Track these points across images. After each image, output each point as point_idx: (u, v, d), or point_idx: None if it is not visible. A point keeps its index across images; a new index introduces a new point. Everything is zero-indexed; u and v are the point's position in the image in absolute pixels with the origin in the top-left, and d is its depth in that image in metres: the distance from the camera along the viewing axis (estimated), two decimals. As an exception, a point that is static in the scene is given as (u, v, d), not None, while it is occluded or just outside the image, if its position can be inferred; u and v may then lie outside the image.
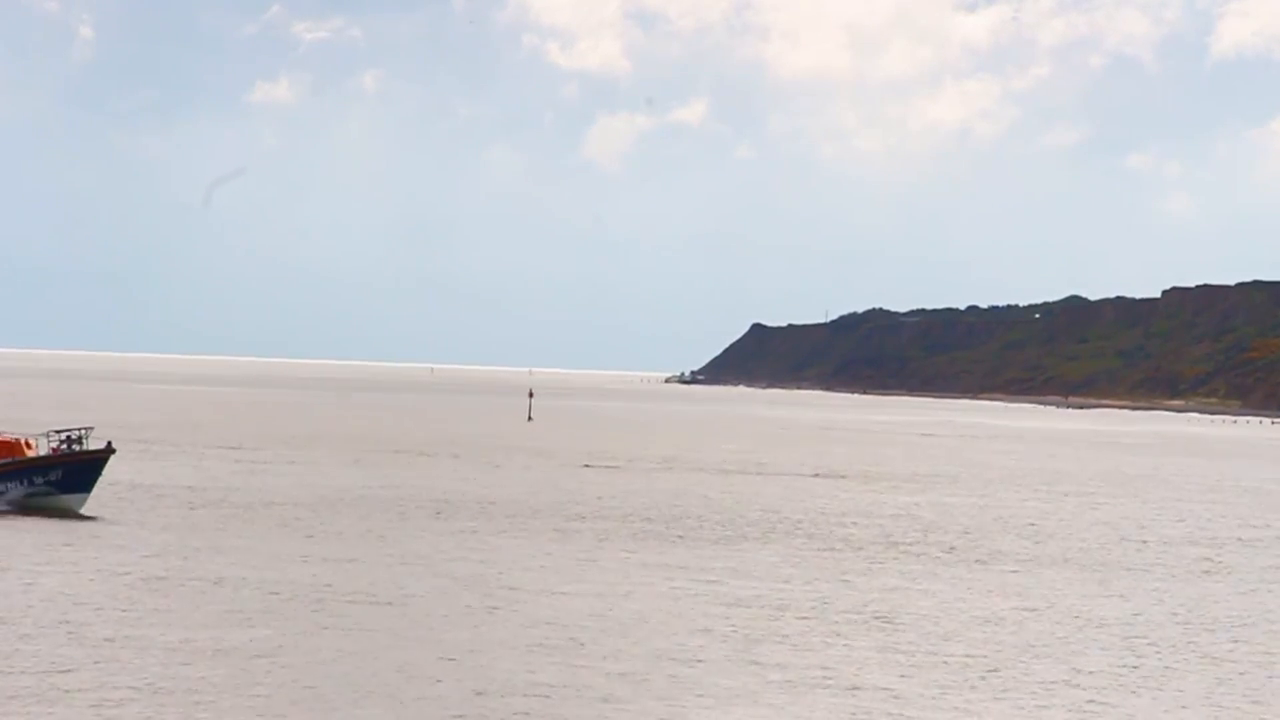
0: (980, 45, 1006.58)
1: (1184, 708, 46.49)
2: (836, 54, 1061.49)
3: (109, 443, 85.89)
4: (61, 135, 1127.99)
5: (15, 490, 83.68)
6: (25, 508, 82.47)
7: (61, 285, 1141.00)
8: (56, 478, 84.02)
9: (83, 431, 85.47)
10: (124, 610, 54.97)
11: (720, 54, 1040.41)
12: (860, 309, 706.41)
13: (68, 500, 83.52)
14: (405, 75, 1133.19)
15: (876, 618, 59.37)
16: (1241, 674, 51.65)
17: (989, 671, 49.98)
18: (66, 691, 42.54)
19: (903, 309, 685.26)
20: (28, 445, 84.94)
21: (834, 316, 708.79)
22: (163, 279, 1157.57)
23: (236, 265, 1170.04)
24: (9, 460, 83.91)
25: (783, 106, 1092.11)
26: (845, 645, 53.40)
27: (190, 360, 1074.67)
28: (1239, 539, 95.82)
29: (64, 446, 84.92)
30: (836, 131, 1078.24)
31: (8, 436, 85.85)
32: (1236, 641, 57.81)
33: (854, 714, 43.67)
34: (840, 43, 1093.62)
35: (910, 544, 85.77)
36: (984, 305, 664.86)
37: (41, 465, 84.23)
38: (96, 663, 46.10)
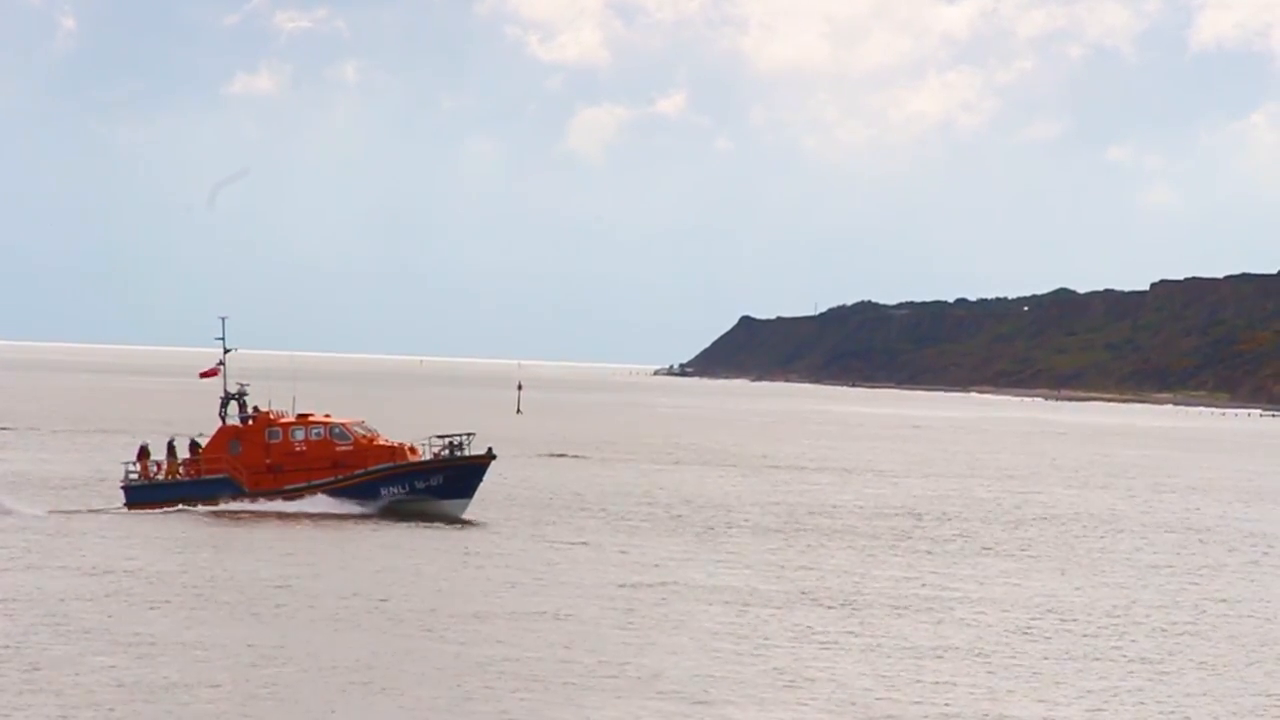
0: (960, 36, 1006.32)
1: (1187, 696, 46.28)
2: (816, 46, 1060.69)
3: (490, 449, 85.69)
4: (43, 126, 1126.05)
5: (396, 494, 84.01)
6: (406, 512, 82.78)
7: (40, 276, 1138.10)
8: (437, 483, 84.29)
9: (465, 437, 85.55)
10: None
11: (700, 46, 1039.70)
12: (849, 301, 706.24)
13: (449, 505, 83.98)
14: (386, 66, 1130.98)
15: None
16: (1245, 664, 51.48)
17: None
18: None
19: (891, 301, 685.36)
20: (411, 450, 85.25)
21: (823, 309, 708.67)
22: (143, 270, 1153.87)
23: (218, 257, 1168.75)
24: (390, 465, 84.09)
25: (763, 98, 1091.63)
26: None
27: (171, 352, 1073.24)
28: (1228, 530, 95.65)
29: (446, 451, 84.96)
30: (818, 123, 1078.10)
31: (392, 441, 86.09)
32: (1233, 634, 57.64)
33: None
34: (820, 34, 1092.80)
35: (922, 533, 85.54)
36: (973, 298, 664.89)
37: (423, 470, 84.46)
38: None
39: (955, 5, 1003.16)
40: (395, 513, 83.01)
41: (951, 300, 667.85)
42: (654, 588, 63.16)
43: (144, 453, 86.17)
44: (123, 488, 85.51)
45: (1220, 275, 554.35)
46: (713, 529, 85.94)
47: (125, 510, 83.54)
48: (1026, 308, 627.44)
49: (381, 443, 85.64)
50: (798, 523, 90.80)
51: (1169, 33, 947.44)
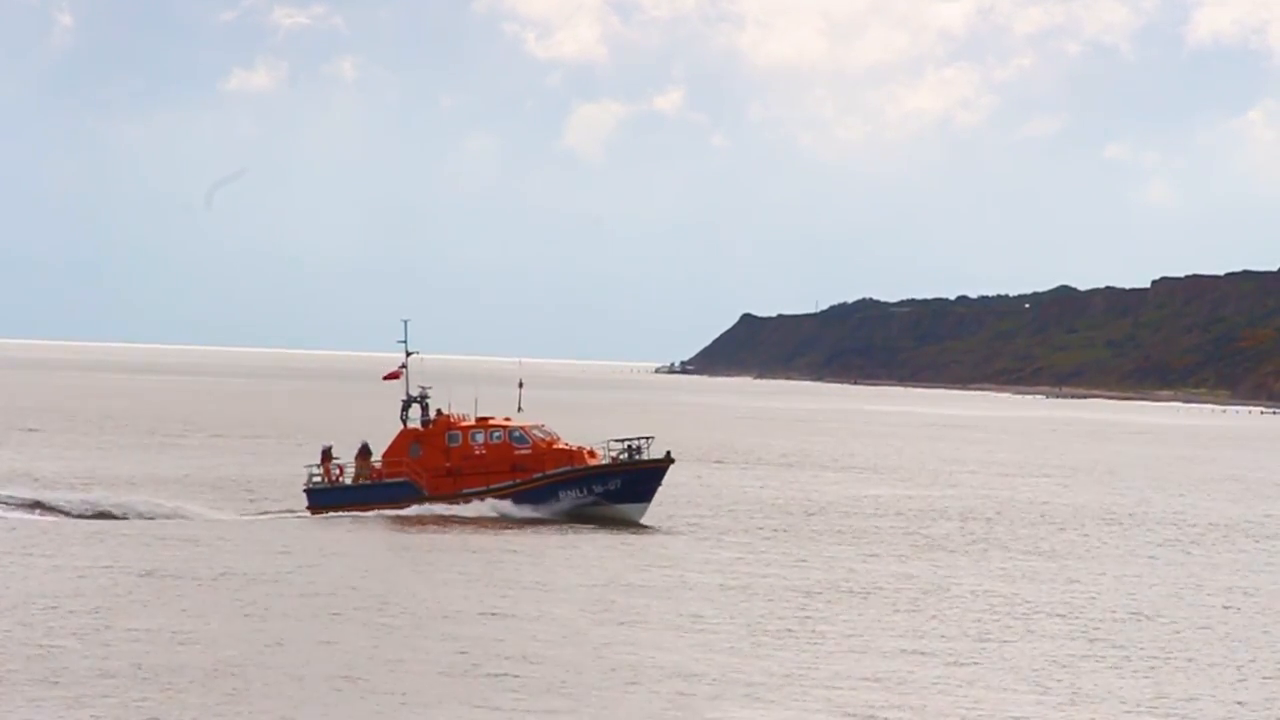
0: (957, 33, 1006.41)
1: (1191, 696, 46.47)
2: (813, 42, 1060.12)
3: (668, 452, 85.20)
4: (40, 123, 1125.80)
5: (574, 498, 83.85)
6: (583, 516, 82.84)
7: (35, 273, 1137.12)
8: (615, 486, 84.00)
9: (643, 441, 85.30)
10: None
11: (697, 43, 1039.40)
12: (850, 299, 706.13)
13: (626, 509, 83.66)
14: (384, 63, 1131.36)
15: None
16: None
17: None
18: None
19: (893, 299, 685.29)
20: (590, 454, 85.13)
21: (824, 307, 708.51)
22: (140, 268, 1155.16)
23: (215, 254, 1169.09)
24: (568, 469, 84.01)
25: (761, 95, 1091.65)
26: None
27: (168, 350, 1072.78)
28: (1229, 525, 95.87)
29: (624, 455, 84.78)
30: (815, 120, 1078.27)
31: (570, 445, 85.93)
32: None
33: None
34: (817, 30, 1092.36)
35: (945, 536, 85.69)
36: (974, 295, 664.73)
37: (601, 474, 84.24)
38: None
39: (952, 1, 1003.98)
40: (577, 517, 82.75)
41: (953, 298, 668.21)
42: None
43: (327, 455, 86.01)
44: (305, 490, 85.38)
45: (1221, 272, 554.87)
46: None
47: (308, 514, 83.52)
48: (1028, 305, 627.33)
49: (560, 446, 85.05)
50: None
51: (1166, 30, 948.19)
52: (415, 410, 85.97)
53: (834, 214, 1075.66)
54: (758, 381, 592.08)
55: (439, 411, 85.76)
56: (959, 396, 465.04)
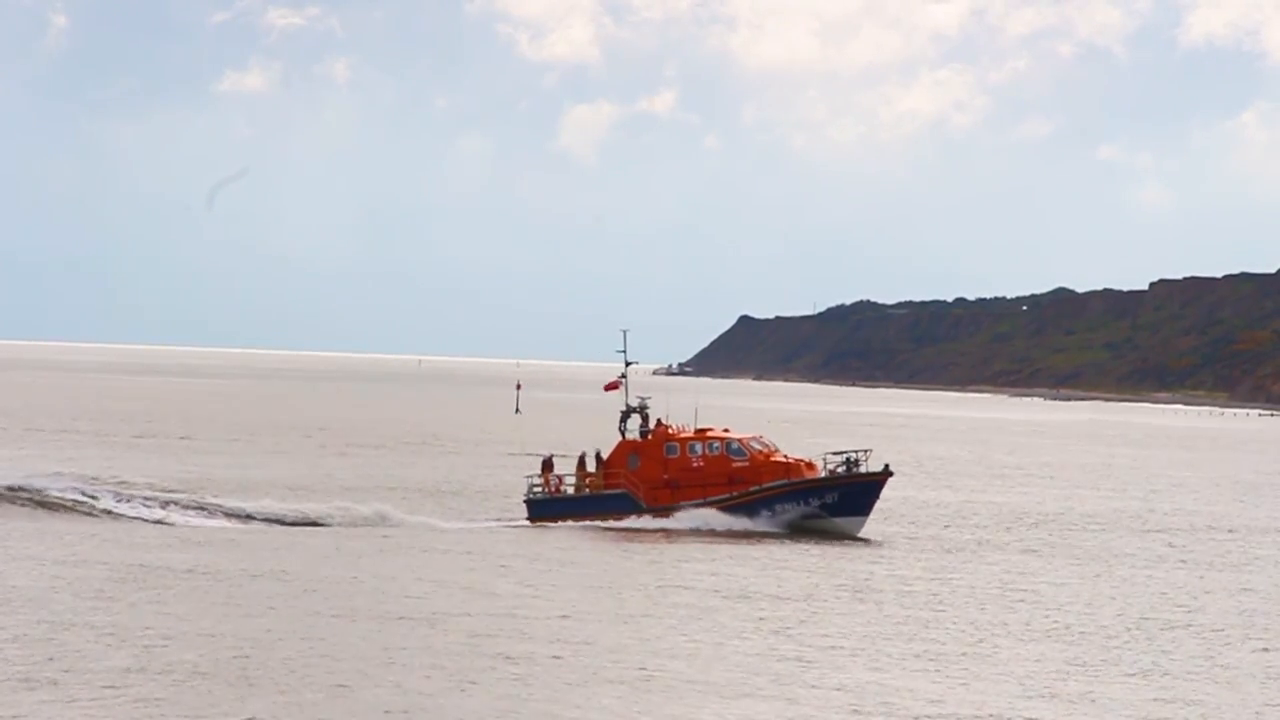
0: (950, 34, 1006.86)
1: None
2: (805, 43, 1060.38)
3: (886, 465, 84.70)
4: (34, 124, 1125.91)
5: (791, 511, 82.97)
6: (800, 529, 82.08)
7: (30, 274, 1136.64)
8: (832, 500, 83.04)
9: (861, 454, 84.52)
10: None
11: (689, 44, 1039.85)
12: (848, 301, 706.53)
13: (844, 523, 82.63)
14: (378, 64, 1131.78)
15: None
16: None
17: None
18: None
19: (890, 301, 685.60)
20: (808, 466, 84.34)
21: (821, 308, 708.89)
22: (135, 269, 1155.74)
23: (209, 255, 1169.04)
24: (785, 481, 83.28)
25: (754, 96, 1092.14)
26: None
27: (164, 351, 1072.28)
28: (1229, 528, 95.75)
29: (842, 468, 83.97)
30: (808, 121, 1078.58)
31: (789, 457, 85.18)
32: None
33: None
34: (809, 30, 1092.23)
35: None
36: (971, 297, 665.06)
37: (819, 487, 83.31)
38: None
39: (945, 3, 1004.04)
40: (794, 530, 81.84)
41: (950, 299, 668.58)
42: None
43: (548, 466, 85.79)
44: (525, 501, 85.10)
45: (1219, 274, 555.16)
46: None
47: (528, 524, 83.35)
48: (1025, 307, 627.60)
49: (778, 459, 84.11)
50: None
51: (1159, 31, 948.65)
52: (634, 421, 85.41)
53: (830, 216, 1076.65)
54: (756, 383, 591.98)
55: (658, 422, 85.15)
56: (960, 399, 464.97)
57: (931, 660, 49.91)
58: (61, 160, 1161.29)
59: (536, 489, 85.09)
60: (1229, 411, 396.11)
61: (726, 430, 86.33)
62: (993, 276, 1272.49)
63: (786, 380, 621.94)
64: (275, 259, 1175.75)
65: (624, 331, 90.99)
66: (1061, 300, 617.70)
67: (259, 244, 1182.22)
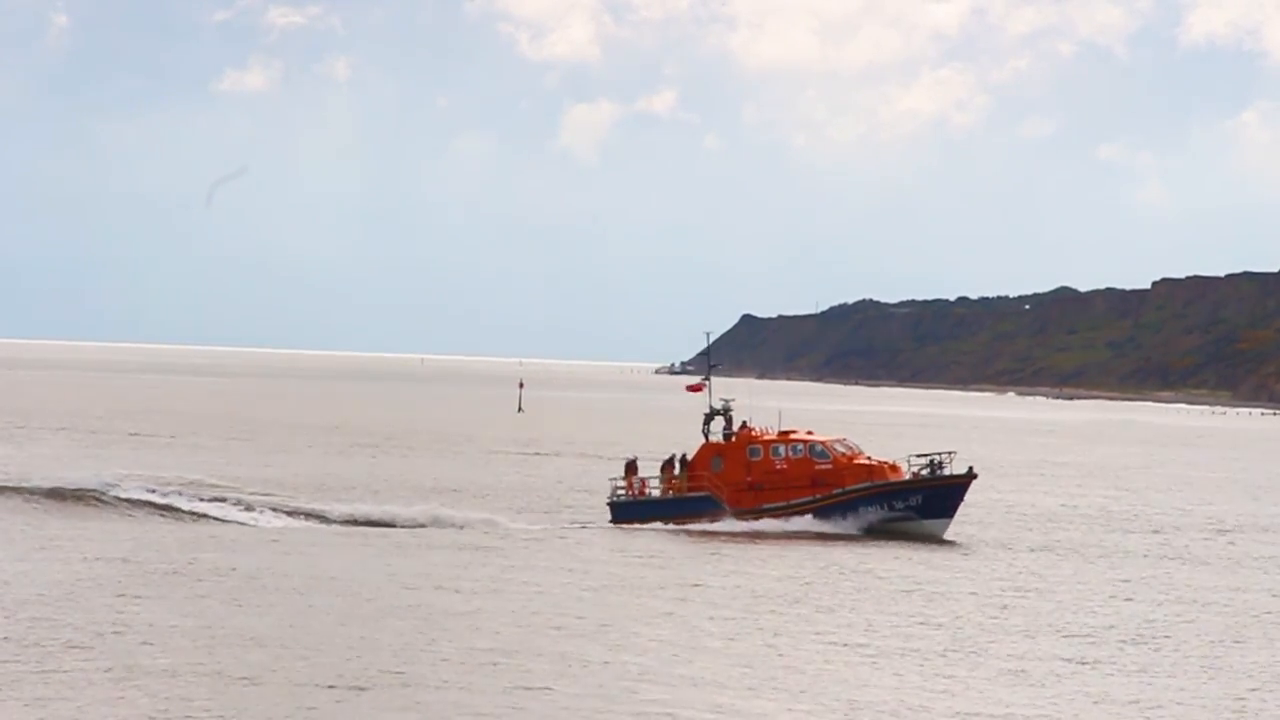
0: (951, 34, 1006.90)
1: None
2: (805, 43, 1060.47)
3: (970, 467, 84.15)
4: (35, 123, 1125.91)
5: (874, 513, 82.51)
6: (883, 532, 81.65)
7: (29, 273, 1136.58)
8: (916, 502, 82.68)
9: (946, 456, 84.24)
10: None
11: (690, 44, 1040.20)
12: (850, 300, 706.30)
13: (928, 525, 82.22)
14: (378, 63, 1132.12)
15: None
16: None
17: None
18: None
19: (893, 300, 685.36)
20: (892, 468, 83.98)
21: (824, 308, 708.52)
22: (134, 268, 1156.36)
23: (210, 255, 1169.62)
24: (868, 484, 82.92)
25: (754, 96, 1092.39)
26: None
27: (165, 350, 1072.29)
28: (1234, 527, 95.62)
29: (926, 470, 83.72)
30: (810, 121, 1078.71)
31: (873, 459, 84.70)
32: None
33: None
34: (809, 29, 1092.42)
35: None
36: (974, 296, 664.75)
37: (903, 489, 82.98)
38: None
39: (945, 2, 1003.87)
40: (878, 533, 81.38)
41: (953, 298, 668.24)
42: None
43: (631, 468, 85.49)
44: (609, 504, 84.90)
45: (1221, 274, 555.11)
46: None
47: (610, 526, 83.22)
48: (1028, 306, 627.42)
49: (861, 461, 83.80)
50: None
51: (1160, 31, 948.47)
52: (718, 423, 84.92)
53: (832, 215, 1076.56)
54: (758, 382, 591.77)
55: (742, 424, 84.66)
56: (964, 398, 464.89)
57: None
58: (62, 159, 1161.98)
59: (620, 491, 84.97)
60: (1232, 411, 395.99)
61: (810, 432, 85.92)
62: (995, 275, 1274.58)
63: (789, 379, 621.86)
64: (275, 258, 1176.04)
65: (707, 334, 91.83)
66: (1064, 299, 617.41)
67: (259, 243, 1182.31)
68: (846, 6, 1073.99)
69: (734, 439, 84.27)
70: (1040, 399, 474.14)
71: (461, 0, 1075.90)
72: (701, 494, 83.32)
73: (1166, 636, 55.60)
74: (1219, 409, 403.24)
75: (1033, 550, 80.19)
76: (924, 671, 47.90)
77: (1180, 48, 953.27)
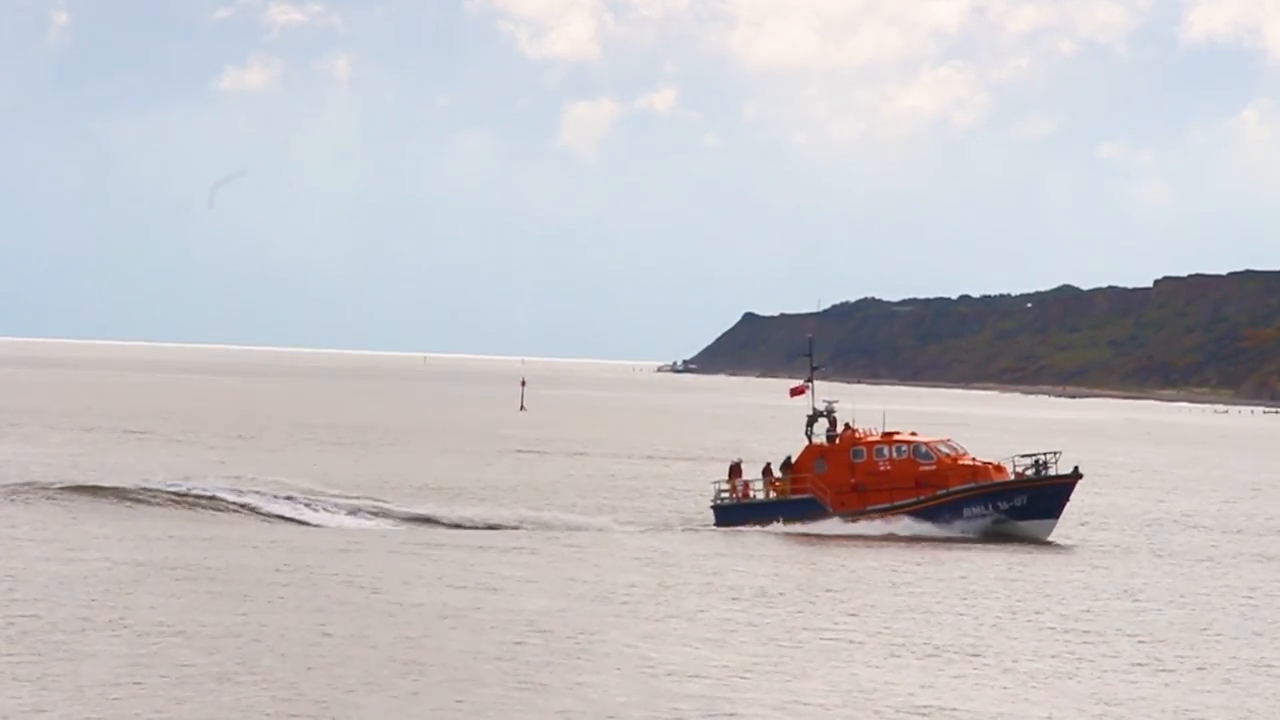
0: (951, 32, 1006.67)
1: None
2: (805, 40, 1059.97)
3: (1075, 467, 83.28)
4: (36, 122, 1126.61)
5: (978, 515, 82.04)
6: (988, 533, 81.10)
7: (30, 271, 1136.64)
8: (1021, 503, 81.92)
9: (1051, 455, 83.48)
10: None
11: (689, 42, 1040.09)
12: (852, 298, 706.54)
13: (1033, 527, 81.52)
14: (379, 61, 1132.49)
15: None
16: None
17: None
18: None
19: (895, 298, 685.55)
20: (997, 469, 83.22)
21: (826, 306, 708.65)
22: (135, 266, 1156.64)
23: (210, 253, 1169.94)
24: (973, 485, 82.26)
25: (755, 94, 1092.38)
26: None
27: (167, 348, 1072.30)
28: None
29: (1031, 471, 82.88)
30: (810, 119, 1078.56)
31: (976, 460, 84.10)
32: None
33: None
34: (809, 27, 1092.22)
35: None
36: (976, 295, 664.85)
37: (1007, 490, 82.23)
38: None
39: (944, 0, 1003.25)
40: (982, 534, 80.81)
41: (955, 297, 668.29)
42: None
43: (735, 471, 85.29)
44: (712, 507, 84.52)
45: (1223, 272, 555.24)
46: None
47: (714, 529, 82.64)
48: (1030, 304, 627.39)
49: (965, 462, 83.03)
50: None
51: (1160, 29, 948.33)
52: (821, 425, 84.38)
53: (833, 213, 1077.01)
54: (762, 380, 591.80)
55: (846, 426, 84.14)
56: (967, 396, 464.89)
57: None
58: (62, 158, 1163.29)
59: (724, 494, 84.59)
60: (1234, 409, 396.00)
61: (914, 434, 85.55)
62: (997, 274, 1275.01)
63: (790, 377, 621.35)
64: (275, 256, 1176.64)
65: (810, 338, 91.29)
66: (1066, 298, 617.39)
67: (258, 241, 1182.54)
68: (846, 4, 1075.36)
69: (838, 441, 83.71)
70: (1044, 397, 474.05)
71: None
72: (805, 496, 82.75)
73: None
74: (1220, 408, 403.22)
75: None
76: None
77: (1180, 46, 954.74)
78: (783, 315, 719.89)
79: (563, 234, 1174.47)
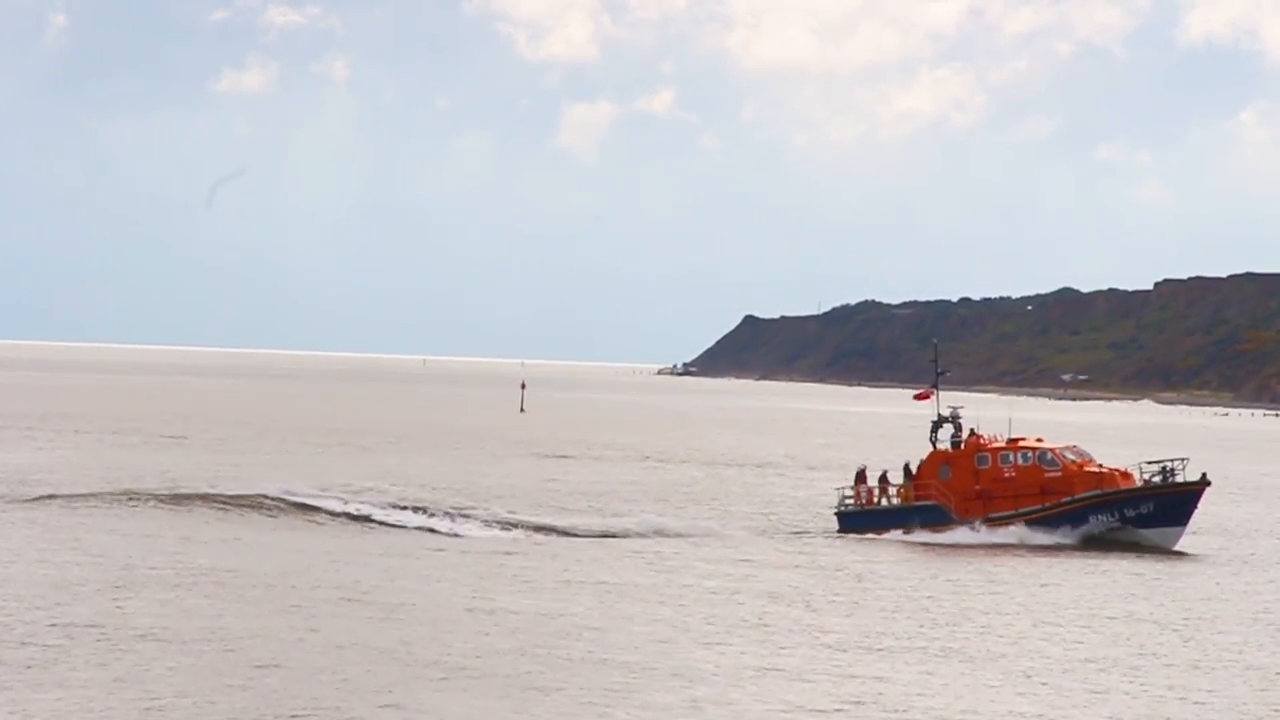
0: (949, 33, 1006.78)
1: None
2: (802, 42, 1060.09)
3: (1204, 474, 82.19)
4: (33, 123, 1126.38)
5: (1102, 522, 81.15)
6: (1113, 541, 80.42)
7: (27, 273, 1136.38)
8: (1147, 510, 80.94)
9: (1178, 462, 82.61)
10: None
11: (687, 43, 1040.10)
12: (852, 301, 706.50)
13: (1159, 535, 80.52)
14: (376, 63, 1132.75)
15: None
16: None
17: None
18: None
19: (895, 301, 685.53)
20: (1123, 476, 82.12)
21: (826, 308, 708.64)
22: (133, 268, 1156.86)
23: (209, 255, 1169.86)
24: (1098, 492, 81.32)
25: (752, 95, 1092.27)
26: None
27: (165, 350, 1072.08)
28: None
29: (1157, 478, 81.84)
30: (808, 120, 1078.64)
31: (1103, 467, 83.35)
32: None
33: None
34: (806, 28, 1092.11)
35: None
36: (976, 297, 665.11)
37: (1133, 497, 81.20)
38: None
39: (943, 1, 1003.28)
40: (1103, 542, 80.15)
41: (955, 299, 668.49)
42: None
43: (861, 477, 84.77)
44: (836, 513, 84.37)
45: (1223, 274, 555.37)
46: None
47: (837, 535, 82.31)
48: (1030, 307, 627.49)
49: (1091, 469, 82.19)
50: None
51: (1158, 31, 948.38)
52: (945, 431, 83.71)
53: (832, 215, 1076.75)
54: (763, 383, 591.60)
55: (971, 432, 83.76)
56: (967, 398, 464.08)
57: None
58: (60, 159, 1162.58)
59: (848, 501, 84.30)
60: (1234, 412, 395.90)
61: (1040, 440, 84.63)
62: (997, 276, 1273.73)
63: (791, 380, 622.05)
64: (272, 258, 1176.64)
65: (934, 343, 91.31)
66: (1066, 300, 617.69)
67: (256, 243, 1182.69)
68: (844, 6, 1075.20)
69: (962, 447, 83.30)
70: (1042, 399, 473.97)
71: (460, 0, 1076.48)
72: (929, 503, 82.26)
73: None
74: (1221, 410, 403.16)
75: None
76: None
77: (1178, 47, 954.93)
78: (783, 318, 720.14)
79: (561, 236, 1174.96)
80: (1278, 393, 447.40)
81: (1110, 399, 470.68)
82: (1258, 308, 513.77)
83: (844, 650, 50.69)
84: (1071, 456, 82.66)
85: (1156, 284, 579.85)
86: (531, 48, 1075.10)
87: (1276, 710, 44.57)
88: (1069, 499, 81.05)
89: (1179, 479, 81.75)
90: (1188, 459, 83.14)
